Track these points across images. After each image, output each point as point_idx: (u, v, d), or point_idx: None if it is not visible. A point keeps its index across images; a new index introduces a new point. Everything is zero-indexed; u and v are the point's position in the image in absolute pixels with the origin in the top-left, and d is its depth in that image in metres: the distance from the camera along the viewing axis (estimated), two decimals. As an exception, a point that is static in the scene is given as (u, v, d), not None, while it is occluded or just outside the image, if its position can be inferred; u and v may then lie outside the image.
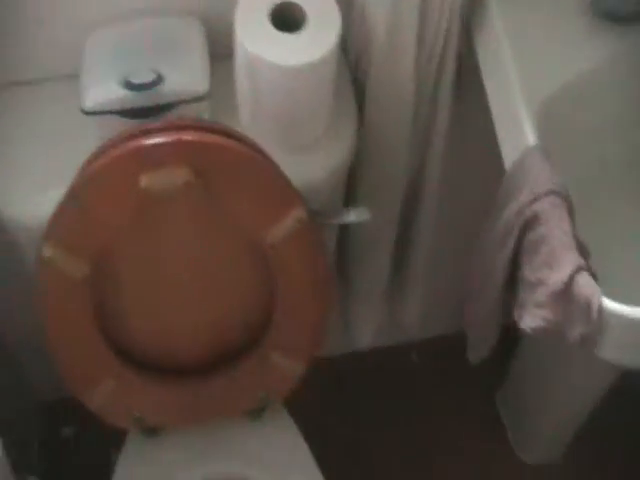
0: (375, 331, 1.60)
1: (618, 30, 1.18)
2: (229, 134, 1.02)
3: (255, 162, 1.02)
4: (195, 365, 1.27)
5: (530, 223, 1.08)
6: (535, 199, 1.07)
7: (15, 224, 1.13)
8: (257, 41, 1.04)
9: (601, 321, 1.02)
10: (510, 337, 1.28)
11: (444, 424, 1.89)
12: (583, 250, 1.08)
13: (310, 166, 1.15)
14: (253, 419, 1.36)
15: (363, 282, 1.47)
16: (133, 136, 0.98)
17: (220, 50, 1.14)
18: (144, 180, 0.98)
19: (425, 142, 1.30)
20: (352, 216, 1.19)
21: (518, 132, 1.11)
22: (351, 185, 1.30)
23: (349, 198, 1.32)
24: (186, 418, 1.32)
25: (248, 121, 1.14)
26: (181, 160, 0.98)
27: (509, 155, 1.14)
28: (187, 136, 0.97)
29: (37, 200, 1.09)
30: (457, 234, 1.58)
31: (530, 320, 1.11)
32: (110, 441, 1.44)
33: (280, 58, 1.04)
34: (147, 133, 0.98)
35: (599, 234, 1.19)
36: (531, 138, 1.09)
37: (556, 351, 1.60)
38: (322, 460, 1.37)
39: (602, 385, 1.63)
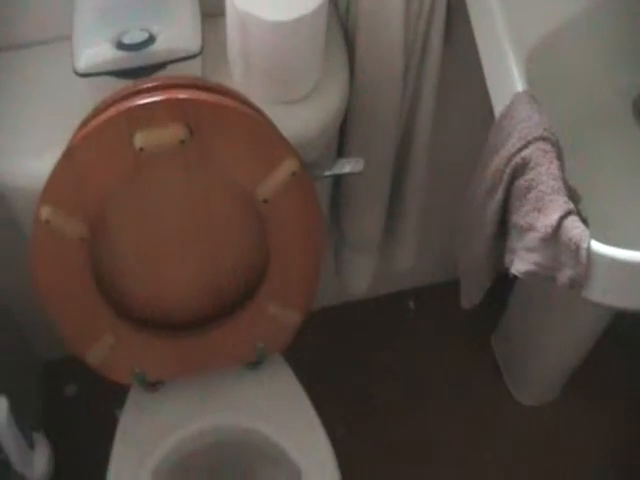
0: (370, 280, 1.62)
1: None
2: (221, 91, 1.02)
3: (247, 117, 1.03)
4: (192, 318, 1.29)
5: (519, 169, 1.09)
6: (524, 145, 1.08)
7: (11, 188, 1.13)
8: (247, -2, 1.04)
9: (589, 264, 1.04)
10: (503, 282, 1.30)
11: (441, 369, 1.92)
12: (573, 195, 1.09)
13: (303, 119, 1.16)
14: (252, 370, 1.38)
15: (357, 232, 1.48)
16: (126, 96, 0.99)
17: (211, 8, 1.15)
18: (138, 139, 0.99)
19: (416, 91, 1.31)
20: (346, 167, 1.20)
21: (507, 79, 1.12)
22: (344, 137, 1.32)
23: (342, 150, 1.34)
24: (185, 371, 1.35)
25: (240, 77, 1.14)
26: (174, 118, 0.99)
27: (498, 102, 1.15)
28: (179, 94, 0.98)
29: (33, 163, 1.10)
30: (449, 182, 1.60)
31: (521, 264, 1.12)
32: (112, 398, 1.47)
33: (270, 13, 1.04)
34: (140, 93, 0.98)
35: (588, 178, 1.20)
36: (519, 84, 1.10)
37: (549, 295, 1.63)
38: (321, 407, 1.40)
39: (596, 327, 1.66)
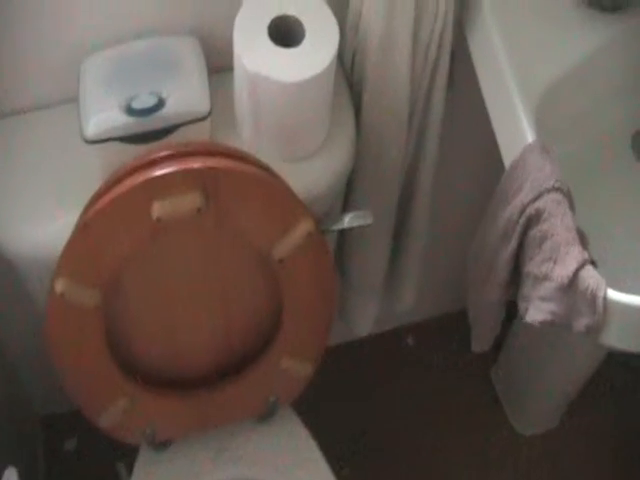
0: (373, 321, 1.61)
1: (607, 18, 1.20)
2: (236, 155, 1.02)
3: (264, 181, 1.03)
4: (205, 375, 1.28)
5: (533, 219, 1.10)
6: (537, 196, 1.08)
7: (16, 254, 1.11)
8: (257, 58, 1.03)
9: (606, 311, 1.04)
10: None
11: (441, 402, 1.92)
12: (583, 239, 1.10)
13: (312, 175, 1.15)
14: (262, 422, 1.37)
15: (361, 276, 1.48)
16: (141, 167, 0.98)
17: (216, 63, 1.14)
18: (156, 210, 0.98)
19: (420, 138, 1.30)
20: (355, 221, 1.20)
21: (516, 129, 1.12)
22: (348, 186, 1.31)
23: (346, 198, 1.33)
24: (196, 428, 1.33)
25: (249, 135, 1.13)
26: (191, 187, 0.98)
27: (508, 151, 1.15)
28: (195, 163, 0.97)
29: (40, 230, 1.09)
30: (451, 222, 1.61)
31: (536, 314, 1.13)
32: (114, 452, 1.45)
33: (280, 74, 1.03)
34: (154, 163, 0.97)
35: (593, 218, 1.21)
36: (530, 135, 1.10)
37: (548, 330, 1.63)
38: (328, 449, 1.39)
39: (595, 359, 1.67)
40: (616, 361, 1.72)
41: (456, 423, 1.90)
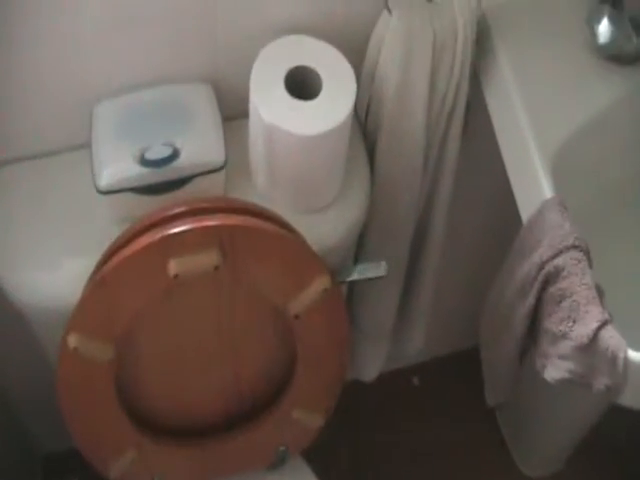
0: (380, 366, 1.60)
1: (625, 71, 1.19)
2: (253, 211, 1.00)
3: (281, 238, 1.01)
4: (214, 425, 1.26)
5: (552, 277, 1.08)
6: (556, 254, 1.07)
7: (25, 303, 1.09)
8: (273, 109, 1.02)
9: (626, 372, 1.03)
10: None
11: (446, 443, 1.90)
12: (601, 296, 1.08)
13: (326, 227, 1.14)
14: (271, 471, 1.35)
15: (371, 322, 1.46)
16: (156, 223, 0.96)
17: (229, 111, 1.13)
18: (172, 268, 0.96)
19: (433, 187, 1.30)
20: (369, 272, 1.18)
21: (534, 184, 1.11)
22: (361, 237, 1.30)
23: (359, 250, 1.32)
24: (205, 477, 1.31)
25: (263, 186, 1.12)
26: (209, 245, 0.96)
27: (526, 206, 1.14)
28: (212, 221, 0.96)
29: (50, 278, 1.07)
30: (462, 265, 1.59)
31: (554, 372, 1.11)
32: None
33: (297, 127, 1.01)
34: (170, 220, 0.96)
35: (608, 271, 1.20)
36: (548, 190, 1.09)
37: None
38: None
39: (602, 402, 1.65)
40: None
41: (462, 465, 1.88)
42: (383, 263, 1.19)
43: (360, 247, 1.32)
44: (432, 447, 1.90)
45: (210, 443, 1.26)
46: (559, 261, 1.07)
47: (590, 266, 1.07)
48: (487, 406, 1.32)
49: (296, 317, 1.08)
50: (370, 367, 1.58)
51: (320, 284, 1.05)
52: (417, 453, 1.89)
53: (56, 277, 1.06)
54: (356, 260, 1.32)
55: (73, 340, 1.01)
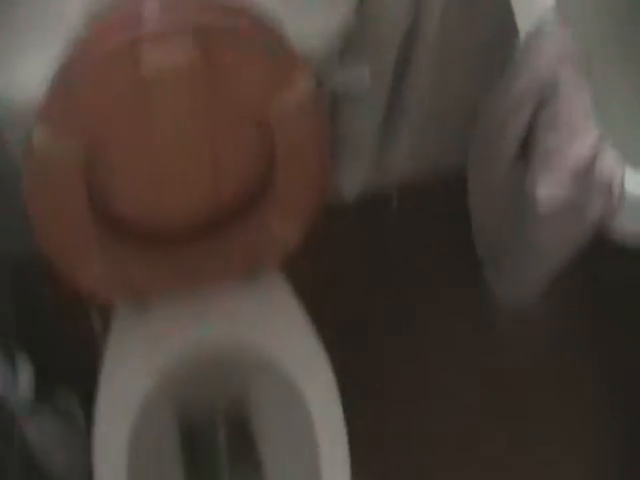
0: (362, 182, 1.56)
1: None
2: (233, 10, 0.93)
3: (261, 35, 0.94)
4: (190, 234, 1.22)
5: (549, 92, 1.04)
6: (554, 69, 1.02)
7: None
8: None
9: (621, 197, 1.00)
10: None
11: (422, 269, 1.89)
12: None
13: (311, 29, 1.05)
14: (247, 285, 1.32)
15: (354, 141, 1.41)
16: (128, 16, 0.89)
17: None
18: (144, 62, 0.90)
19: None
20: (352, 79, 1.13)
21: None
22: (345, 50, 1.22)
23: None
24: (178, 287, 1.28)
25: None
26: (181, 39, 0.90)
27: (524, 20, 1.08)
28: (185, 13, 0.89)
29: (15, 74, 1.00)
30: (452, 84, 1.52)
31: (546, 194, 1.08)
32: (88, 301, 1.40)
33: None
34: (141, 12, 0.88)
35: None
36: (549, 2, 1.03)
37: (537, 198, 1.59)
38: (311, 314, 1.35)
39: (579, 240, 1.61)
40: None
41: (436, 291, 1.87)
42: (366, 70, 1.13)
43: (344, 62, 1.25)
44: (409, 272, 1.88)
45: (184, 252, 1.22)
46: (558, 76, 1.02)
47: (589, 82, 1.02)
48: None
49: (276, 121, 1.03)
50: (352, 187, 1.54)
51: (302, 83, 0.99)
52: (392, 277, 1.87)
53: (21, 71, 0.99)
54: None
55: (38, 136, 0.95)
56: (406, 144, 1.53)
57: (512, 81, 1.09)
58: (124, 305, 1.30)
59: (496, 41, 1.31)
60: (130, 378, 1.25)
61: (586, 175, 1.01)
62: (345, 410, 1.28)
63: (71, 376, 1.59)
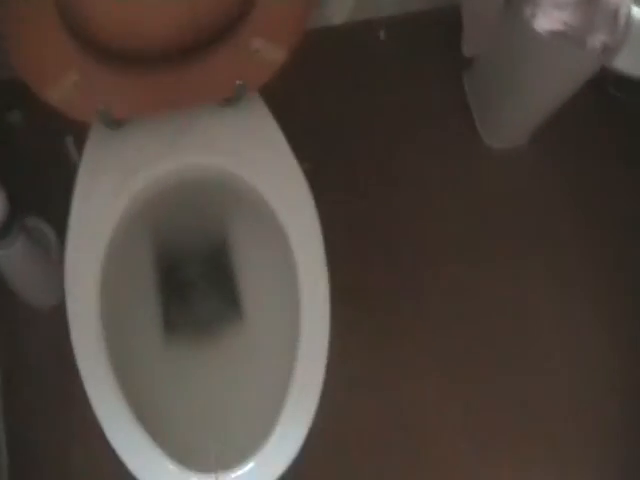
0: (351, 6, 1.48)
1: None
2: None
3: None
4: (167, 53, 1.15)
5: None
6: None
7: None
8: None
9: (627, 28, 0.94)
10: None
11: (409, 103, 1.83)
12: None
13: None
14: (227, 108, 1.26)
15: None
16: None
17: None
18: None
19: None
20: None
21: None
22: None
23: None
24: (156, 108, 1.22)
25: None
26: None
27: None
28: None
29: None
30: None
31: (546, 22, 1.02)
32: (62, 126, 1.34)
33: None
34: None
35: None
36: None
37: (528, 38, 1.52)
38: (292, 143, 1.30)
39: (575, 80, 1.56)
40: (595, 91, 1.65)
41: (422, 125, 1.82)
42: None
43: None
44: (392, 104, 1.82)
45: (162, 71, 1.16)
46: None
47: None
48: (460, 62, 1.21)
49: None
50: (342, 7, 1.46)
51: None
52: (376, 108, 1.81)
53: None
54: None
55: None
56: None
57: None
58: (99, 127, 1.24)
59: None
60: (103, 201, 1.21)
61: (589, 3, 0.94)
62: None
63: (45, 205, 1.56)
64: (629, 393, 1.68)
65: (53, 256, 1.55)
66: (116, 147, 1.24)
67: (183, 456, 1.09)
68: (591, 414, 1.67)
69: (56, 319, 1.25)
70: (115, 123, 1.23)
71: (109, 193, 1.21)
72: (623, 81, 1.75)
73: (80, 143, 1.27)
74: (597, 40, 0.97)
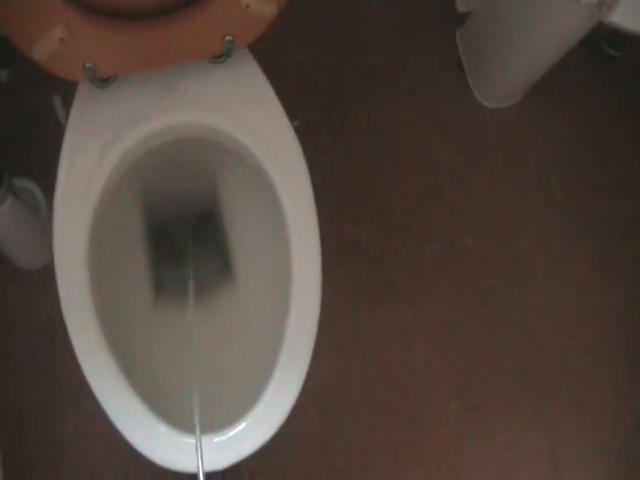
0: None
1: None
2: None
3: None
4: (154, 8, 1.13)
5: None
6: None
7: None
8: None
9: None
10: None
11: (403, 63, 1.81)
12: None
13: None
14: (216, 64, 1.24)
15: None
16: None
17: None
18: None
19: None
20: None
21: None
22: None
23: None
24: (144, 65, 1.19)
25: None
26: None
27: None
28: None
29: None
30: None
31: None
32: (50, 84, 1.32)
33: None
34: None
35: None
36: None
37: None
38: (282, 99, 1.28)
39: (568, 38, 1.54)
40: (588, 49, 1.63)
41: (417, 87, 1.80)
42: None
43: None
44: (385, 65, 1.80)
45: (149, 28, 1.13)
46: None
47: None
48: (454, 20, 1.19)
49: None
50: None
51: None
52: (370, 70, 1.79)
53: None
54: None
55: None
56: None
57: None
58: (86, 86, 1.22)
59: None
60: (91, 160, 1.18)
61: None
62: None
63: (34, 166, 1.54)
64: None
65: (42, 217, 1.53)
66: (104, 106, 1.22)
67: (173, 417, 1.08)
68: (583, 378, 1.67)
69: (45, 280, 1.24)
70: (102, 81, 1.20)
71: (97, 152, 1.19)
72: (616, 38, 1.74)
73: (69, 102, 1.25)
74: (593, -6, 0.96)
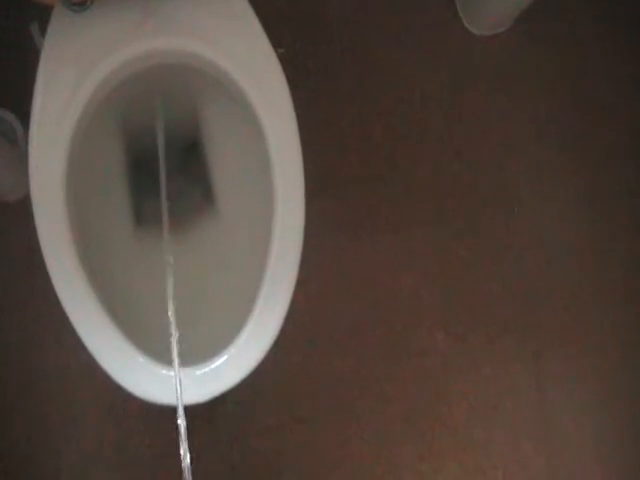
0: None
1: None
2: None
3: None
4: None
5: None
6: None
7: None
8: None
9: None
10: None
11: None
12: None
13: None
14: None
15: None
16: None
17: None
18: None
19: None
20: None
21: None
22: None
23: None
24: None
25: None
26: None
27: None
28: None
29: None
30: None
31: None
32: (26, 12, 1.28)
33: None
34: None
35: None
36: None
37: None
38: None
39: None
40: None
41: (403, 12, 1.75)
42: None
43: None
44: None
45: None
46: None
47: None
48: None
49: None
50: None
51: None
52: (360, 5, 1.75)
53: None
54: None
55: None
56: None
57: None
58: (62, 10, 1.17)
59: None
60: (67, 88, 1.15)
61: None
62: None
63: (11, 96, 1.51)
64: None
65: (19, 146, 1.50)
66: (80, 31, 1.17)
67: (155, 349, 1.07)
68: (568, 307, 1.66)
69: (24, 211, 1.21)
70: (78, 5, 1.16)
71: (73, 79, 1.15)
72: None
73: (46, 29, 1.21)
74: None
